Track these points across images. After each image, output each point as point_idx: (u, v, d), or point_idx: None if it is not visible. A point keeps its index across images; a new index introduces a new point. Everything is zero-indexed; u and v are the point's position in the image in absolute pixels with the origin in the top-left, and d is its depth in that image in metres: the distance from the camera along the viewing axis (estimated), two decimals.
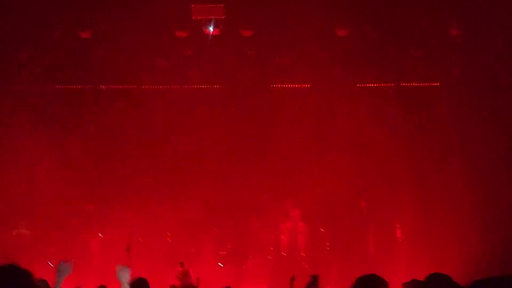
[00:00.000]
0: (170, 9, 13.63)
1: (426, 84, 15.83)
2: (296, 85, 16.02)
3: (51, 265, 12.70)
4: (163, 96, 15.95)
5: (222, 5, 13.70)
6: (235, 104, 16.00)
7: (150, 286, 6.03)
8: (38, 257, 13.29)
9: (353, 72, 15.16)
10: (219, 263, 15.45)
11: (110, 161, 15.83)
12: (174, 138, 15.77)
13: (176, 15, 13.98)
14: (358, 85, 15.57)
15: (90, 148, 15.58)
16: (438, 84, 15.68)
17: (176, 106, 15.79)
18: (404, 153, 15.23)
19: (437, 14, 13.96)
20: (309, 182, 14.93)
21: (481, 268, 12.04)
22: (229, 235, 15.82)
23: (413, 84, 15.87)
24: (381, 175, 15.22)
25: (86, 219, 15.29)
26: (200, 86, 16.08)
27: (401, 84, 15.94)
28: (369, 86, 15.76)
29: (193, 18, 13.97)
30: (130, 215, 14.56)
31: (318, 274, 9.29)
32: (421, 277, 4.80)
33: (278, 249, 15.80)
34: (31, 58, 15.02)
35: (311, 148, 15.74)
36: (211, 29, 14.32)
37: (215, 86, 16.25)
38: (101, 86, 15.99)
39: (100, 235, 15.59)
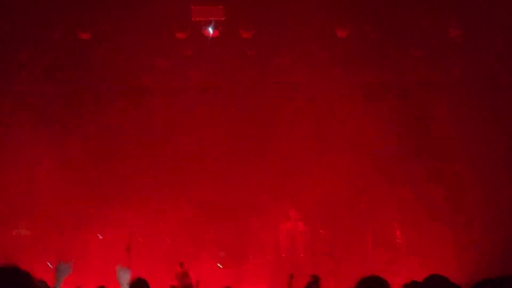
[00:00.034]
0: (170, 10, 13.64)
1: (426, 84, 15.81)
2: (296, 86, 16.01)
3: (50, 266, 12.71)
4: (163, 96, 15.94)
5: (221, 7, 13.70)
6: (235, 105, 16.01)
7: (149, 287, 6.03)
8: (38, 258, 13.30)
9: (353, 72, 15.17)
10: (219, 264, 15.46)
11: (110, 161, 15.85)
12: (174, 138, 15.78)
13: (176, 16, 13.99)
14: (358, 85, 15.55)
15: (90, 148, 15.60)
16: (438, 84, 15.67)
17: (176, 106, 15.80)
18: (403, 153, 15.26)
19: (437, 14, 13.96)
20: (309, 182, 14.95)
21: (481, 268, 12.06)
22: (229, 236, 15.81)
23: (413, 84, 15.86)
24: (381, 175, 15.21)
25: (85, 219, 15.28)
26: (200, 87, 16.07)
27: (401, 84, 15.94)
28: (369, 86, 15.75)
29: (193, 19, 13.97)
30: (130, 215, 14.57)
31: (318, 274, 9.30)
32: (420, 278, 4.79)
33: (278, 250, 15.80)
34: (31, 58, 15.03)
35: (311, 148, 15.75)
36: (211, 30, 14.33)
37: (215, 87, 16.25)
38: (101, 86, 15.98)
39: (99, 235, 15.59)
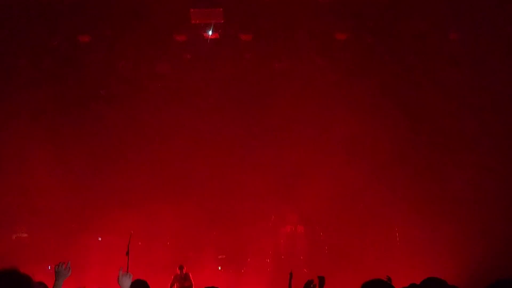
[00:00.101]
0: (169, 12, 13.69)
1: (425, 87, 15.85)
2: (295, 90, 16.02)
3: (50, 269, 12.71)
4: (163, 99, 15.96)
5: (221, 9, 13.75)
6: (234, 109, 16.02)
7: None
8: (38, 261, 13.30)
9: (352, 77, 15.20)
10: (219, 267, 15.46)
11: (109, 165, 15.84)
12: (173, 142, 15.77)
13: (175, 19, 14.04)
14: (356, 89, 15.58)
15: (89, 152, 15.59)
16: (437, 87, 15.72)
17: (176, 109, 15.81)
18: (401, 157, 15.29)
19: (435, 18, 14.04)
20: (308, 185, 14.96)
21: (479, 271, 12.09)
22: (229, 239, 15.82)
23: (412, 87, 15.89)
24: (379, 179, 15.25)
25: (85, 222, 15.29)
26: (199, 89, 16.08)
27: (400, 88, 15.97)
28: (367, 90, 15.77)
29: (192, 22, 14.02)
30: (129, 219, 14.55)
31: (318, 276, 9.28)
32: (419, 281, 4.82)
33: (278, 253, 15.81)
34: (31, 62, 15.06)
35: (310, 152, 15.74)
36: (210, 33, 14.37)
37: (214, 89, 16.26)
38: (100, 91, 16.00)
39: (99, 238, 15.59)
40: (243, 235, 15.76)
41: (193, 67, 15.48)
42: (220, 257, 15.70)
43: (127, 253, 11.02)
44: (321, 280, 9.07)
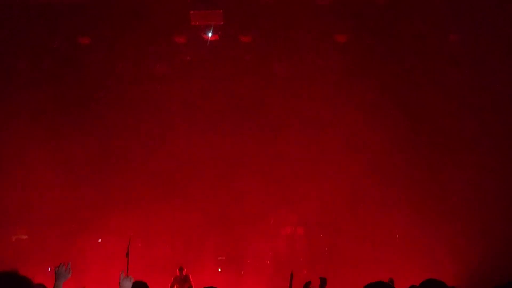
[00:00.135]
0: (169, 14, 13.70)
1: (425, 87, 15.85)
2: (294, 91, 16.02)
3: (50, 270, 12.71)
4: (162, 102, 15.95)
5: (221, 11, 13.75)
6: (233, 110, 16.01)
7: None
8: (37, 263, 13.30)
9: (352, 77, 15.20)
10: (218, 269, 15.45)
11: (109, 167, 15.83)
12: (173, 144, 15.75)
13: (175, 21, 14.04)
14: (356, 90, 15.58)
15: (89, 154, 15.58)
16: (436, 88, 15.72)
17: (175, 111, 15.80)
18: (402, 158, 15.28)
19: (435, 18, 14.04)
20: (308, 187, 14.97)
21: (478, 273, 12.10)
22: (229, 241, 15.81)
23: (412, 87, 15.89)
24: (379, 180, 15.25)
25: (85, 224, 15.28)
26: (199, 91, 16.08)
27: (400, 88, 15.97)
28: (367, 90, 15.77)
29: (192, 24, 14.02)
30: (129, 220, 14.55)
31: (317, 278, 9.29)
32: (418, 282, 4.82)
33: (277, 255, 15.80)
34: (32, 63, 15.07)
35: (310, 154, 15.74)
36: (210, 34, 14.38)
37: (214, 91, 16.27)
38: (100, 91, 15.99)
39: (99, 240, 15.59)
40: (242, 237, 15.75)
41: (193, 69, 15.48)
42: (219, 258, 15.68)
43: (127, 255, 11.03)
44: (323, 281, 9.07)
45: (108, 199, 15.38)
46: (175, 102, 15.83)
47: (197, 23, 14.06)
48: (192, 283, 13.52)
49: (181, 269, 13.70)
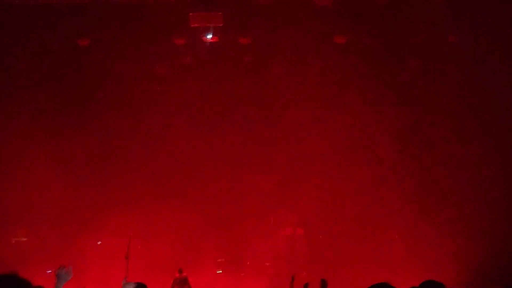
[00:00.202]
0: (168, 15, 13.71)
1: (425, 87, 15.85)
2: (294, 92, 16.01)
3: (50, 272, 12.69)
4: (162, 103, 15.94)
5: (220, 13, 13.74)
6: (233, 111, 16.01)
7: None
8: (37, 265, 13.28)
9: (352, 77, 15.19)
10: (218, 271, 15.44)
11: (109, 168, 15.83)
12: (172, 145, 15.74)
13: (174, 22, 14.05)
14: (356, 91, 15.57)
15: (89, 155, 15.58)
16: (437, 88, 15.72)
17: (175, 112, 15.79)
18: (402, 160, 15.29)
19: (435, 19, 14.04)
20: (308, 188, 14.97)
21: (478, 274, 12.09)
22: (228, 242, 15.81)
23: (412, 87, 15.89)
24: (379, 181, 15.25)
25: (85, 226, 15.26)
26: (198, 92, 16.07)
27: (399, 89, 15.96)
28: (367, 90, 15.77)
29: (191, 25, 14.01)
30: (129, 222, 14.54)
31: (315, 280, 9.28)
32: (417, 283, 4.82)
33: (277, 256, 15.79)
34: (31, 65, 15.07)
35: (310, 154, 15.73)
36: (209, 36, 14.37)
37: (213, 92, 16.26)
38: (100, 93, 16.00)
39: (99, 242, 15.58)
40: (242, 237, 15.75)
41: (193, 70, 15.48)
42: (219, 260, 15.67)
43: (127, 257, 11.02)
44: (324, 283, 9.07)
45: (108, 199, 15.37)
46: (175, 102, 15.83)
47: (197, 24, 14.05)
48: (192, 285, 13.53)
49: (180, 271, 13.70)
